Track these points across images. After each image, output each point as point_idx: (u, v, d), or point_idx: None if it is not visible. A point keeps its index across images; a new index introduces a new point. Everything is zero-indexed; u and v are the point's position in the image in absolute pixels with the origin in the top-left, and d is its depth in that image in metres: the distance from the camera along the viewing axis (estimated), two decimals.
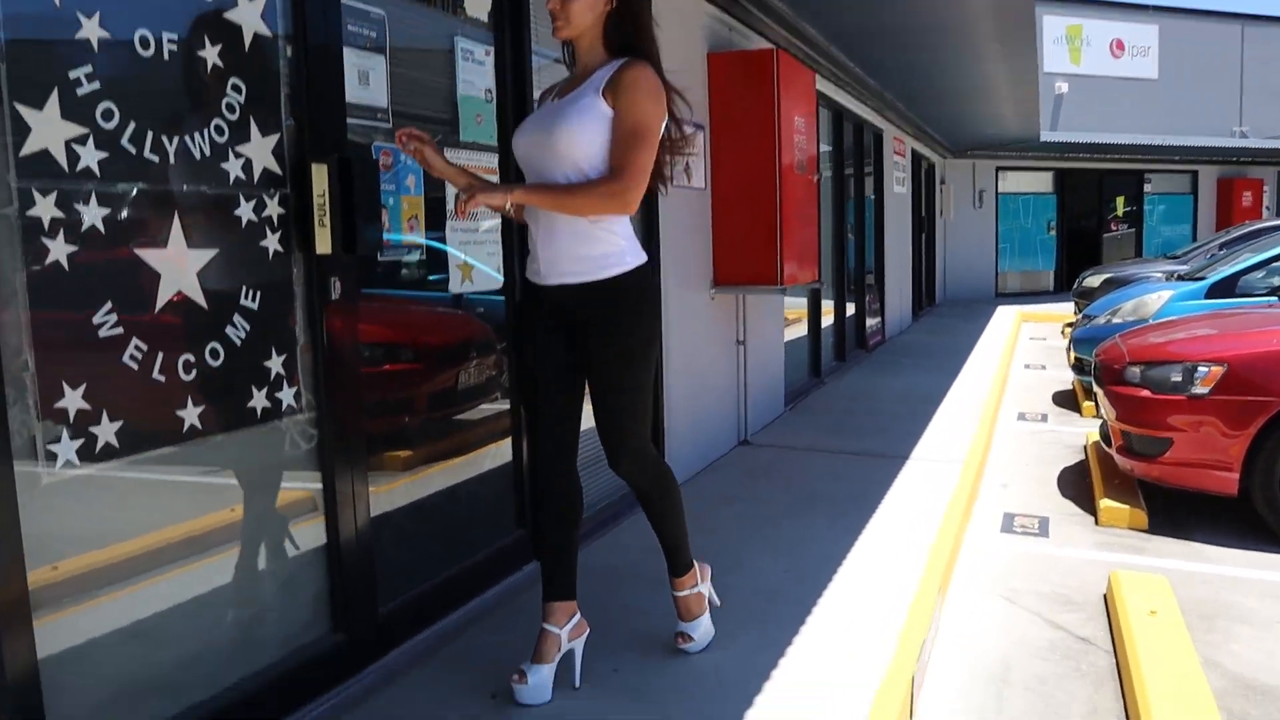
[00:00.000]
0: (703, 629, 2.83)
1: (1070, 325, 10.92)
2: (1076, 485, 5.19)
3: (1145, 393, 4.56)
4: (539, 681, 2.52)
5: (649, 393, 2.60)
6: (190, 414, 2.20)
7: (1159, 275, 8.58)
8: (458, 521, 3.26)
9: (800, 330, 7.32)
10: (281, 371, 2.44)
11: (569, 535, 2.65)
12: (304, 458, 2.55)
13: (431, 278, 3.27)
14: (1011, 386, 8.16)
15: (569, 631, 2.59)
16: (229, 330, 2.30)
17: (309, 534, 2.57)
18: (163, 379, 2.14)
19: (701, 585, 2.84)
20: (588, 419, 2.64)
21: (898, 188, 11.08)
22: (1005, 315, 12.84)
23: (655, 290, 2.68)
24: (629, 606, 3.16)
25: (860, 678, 2.67)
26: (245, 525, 2.41)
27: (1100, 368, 5.05)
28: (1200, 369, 4.39)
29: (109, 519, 2.08)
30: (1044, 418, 6.93)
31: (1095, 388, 5.17)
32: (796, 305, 7.09)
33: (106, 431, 2.02)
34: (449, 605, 3.06)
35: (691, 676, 2.68)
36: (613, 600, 3.20)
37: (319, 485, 2.58)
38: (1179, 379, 4.46)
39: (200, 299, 2.23)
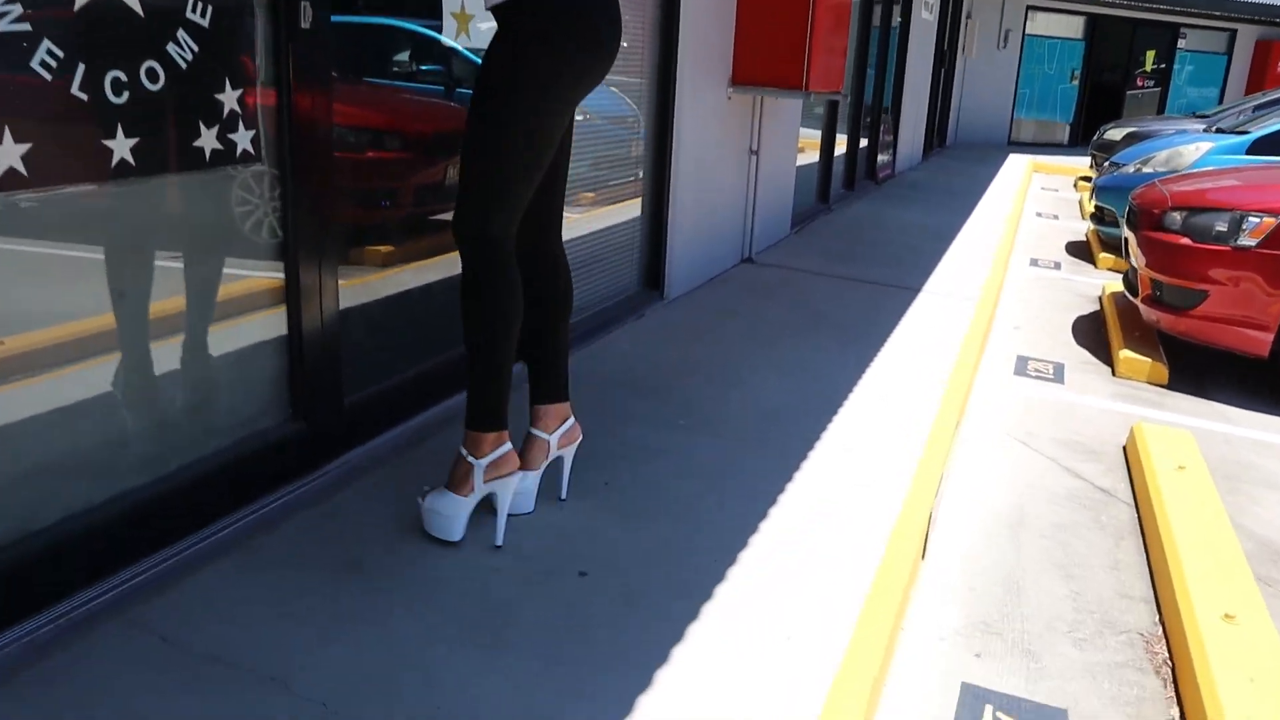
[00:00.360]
0: (437, 507, 2.08)
1: (1085, 179, 10.46)
2: (1092, 335, 4.90)
3: (1185, 240, 4.20)
4: (522, 489, 2.24)
5: (514, 164, 1.98)
6: (120, 146, 1.80)
7: (1193, 131, 8.06)
8: (437, 317, 2.92)
9: (809, 156, 6.85)
10: (236, 109, 2.02)
11: (551, 325, 2.27)
12: (263, 218, 2.17)
13: (424, 67, 2.91)
14: (1023, 233, 7.78)
15: (559, 438, 2.29)
16: (171, 48, 1.87)
17: (271, 317, 2.22)
18: (85, 97, 1.73)
19: (479, 465, 2.06)
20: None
21: (925, 14, 10.32)
22: (1017, 163, 12.31)
23: (571, 22, 1.97)
24: (623, 415, 2.88)
25: (873, 511, 2.41)
26: (192, 291, 2.06)
27: (1136, 211, 4.67)
28: (1250, 219, 4.02)
29: (34, 293, 1.72)
30: (1057, 266, 6.59)
31: (1126, 233, 4.81)
32: (806, 135, 6.58)
33: (10, 154, 1.62)
34: (423, 402, 2.75)
35: (689, 497, 2.41)
36: (606, 409, 2.91)
37: (280, 262, 2.21)
38: (1224, 228, 4.10)
39: (134, 2, 1.79)
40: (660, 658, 1.77)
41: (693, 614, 1.91)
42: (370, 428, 2.52)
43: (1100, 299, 5.55)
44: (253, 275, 2.17)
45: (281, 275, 2.22)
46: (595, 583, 2.00)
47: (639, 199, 4.09)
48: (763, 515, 2.34)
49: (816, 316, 4.20)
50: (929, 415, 3.11)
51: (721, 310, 4.18)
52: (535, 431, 2.27)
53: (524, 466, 2.25)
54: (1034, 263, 6.62)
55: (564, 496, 2.33)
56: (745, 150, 4.96)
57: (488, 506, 2.14)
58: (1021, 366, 4.27)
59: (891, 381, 3.41)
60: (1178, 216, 4.29)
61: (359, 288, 2.52)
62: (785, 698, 1.71)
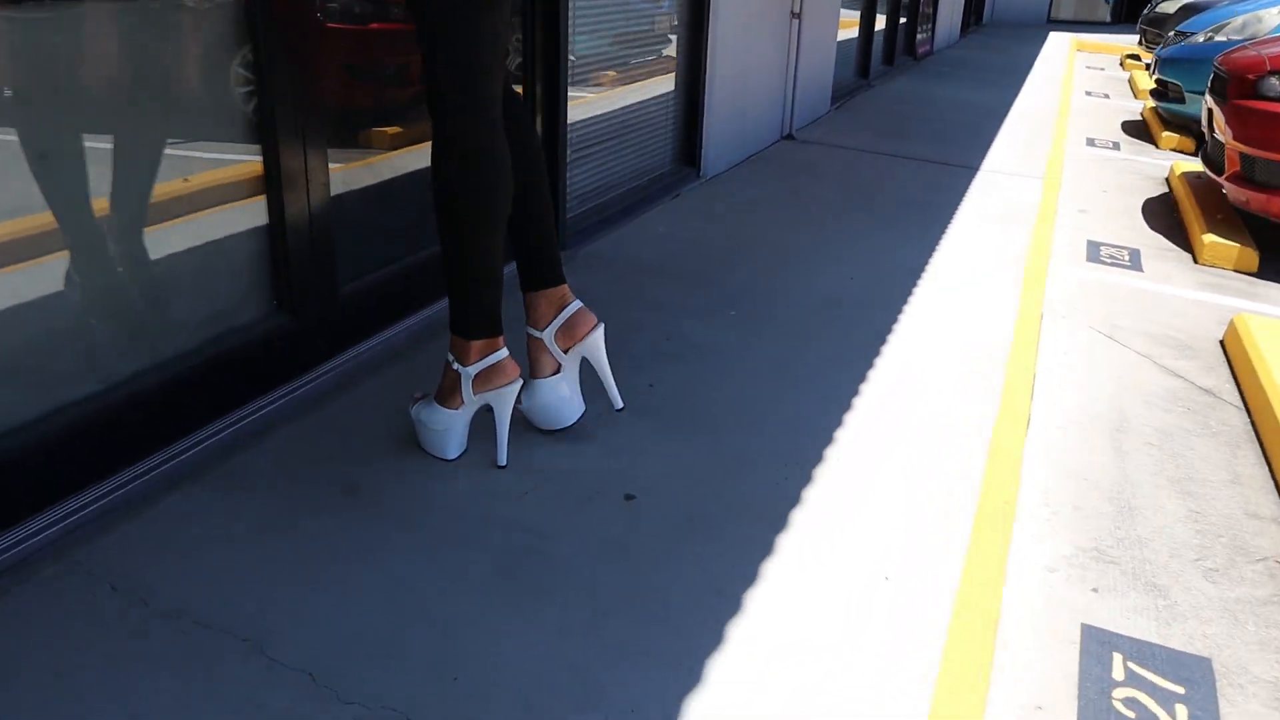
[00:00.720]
0: (425, 419, 1.72)
1: (1133, 57, 9.75)
2: (1164, 218, 4.42)
3: None
4: (542, 403, 1.81)
5: (470, 27, 1.53)
6: None
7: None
8: None
9: (848, 33, 6.25)
10: None
11: (521, 183, 1.73)
12: (230, 63, 1.74)
13: None
14: (1074, 112, 7.19)
15: (555, 333, 1.81)
16: None
17: (248, 191, 1.81)
18: None
19: (466, 375, 1.68)
20: None
21: None
22: (1059, 42, 11.54)
23: None
24: (665, 306, 2.48)
25: (962, 414, 2.03)
26: (134, 154, 1.64)
27: (1225, 78, 4.14)
28: None
29: None
30: (1115, 145, 6.05)
31: (1210, 103, 4.28)
32: (843, 15, 5.98)
33: None
34: (434, 293, 2.36)
35: (746, 400, 2.03)
36: (644, 299, 2.52)
37: (257, 139, 1.79)
38: None
39: None
40: (730, 606, 1.41)
41: (766, 546, 1.55)
42: (371, 322, 2.14)
43: (1168, 180, 5.05)
44: (223, 143, 1.75)
45: (259, 148, 1.80)
46: (645, 509, 1.64)
47: (671, 72, 3.60)
48: (835, 421, 1.96)
49: (870, 196, 3.75)
50: (1008, 305, 2.70)
51: (766, 189, 3.73)
52: (529, 331, 1.83)
53: (535, 374, 1.83)
54: (1090, 142, 6.07)
55: (620, 406, 1.93)
56: (786, 13, 4.43)
57: (522, 419, 1.77)
58: (1094, 252, 3.82)
59: (961, 266, 2.99)
60: (1277, 82, 3.77)
61: (356, 164, 2.10)
62: (891, 659, 1.36)
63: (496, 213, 1.62)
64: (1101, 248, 3.89)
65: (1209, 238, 3.86)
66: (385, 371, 2.03)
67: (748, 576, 1.47)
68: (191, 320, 1.74)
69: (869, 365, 2.23)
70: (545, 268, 1.78)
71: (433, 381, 1.91)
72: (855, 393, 2.09)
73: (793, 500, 1.68)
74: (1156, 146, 6.11)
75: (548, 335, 1.80)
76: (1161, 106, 6.22)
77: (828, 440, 1.88)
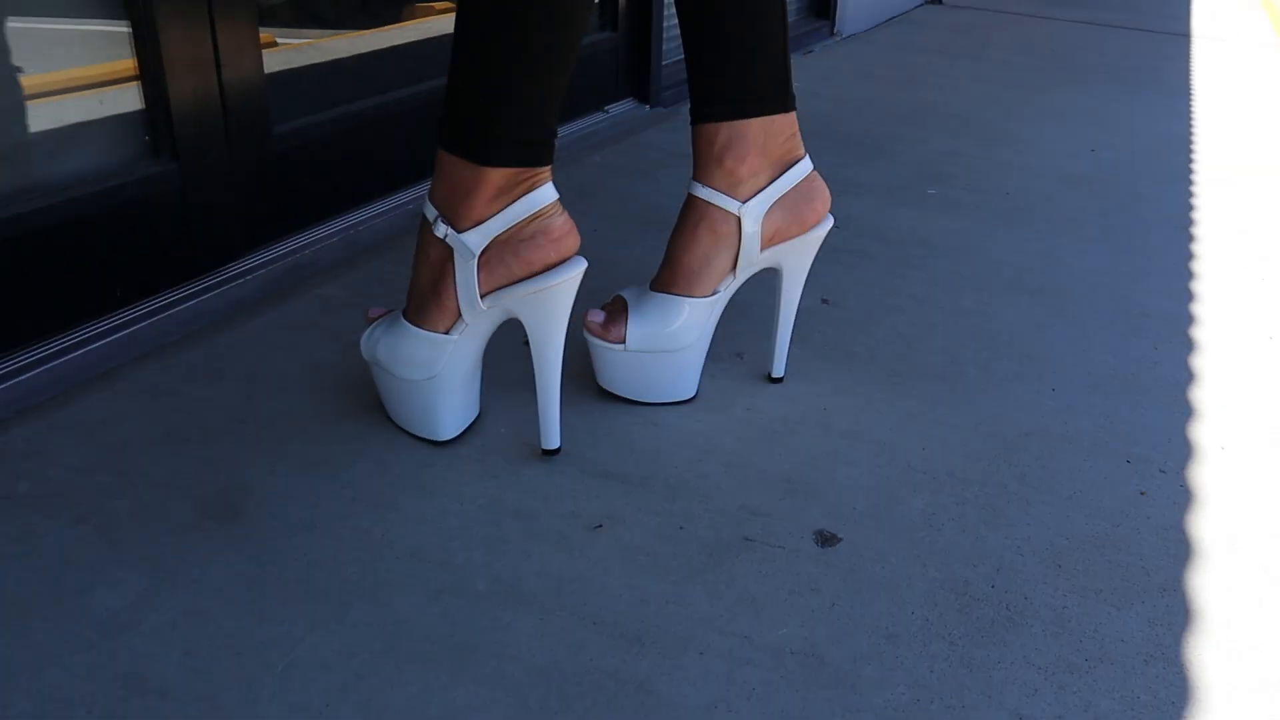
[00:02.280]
0: (386, 357, 0.81)
1: None
2: None
3: None
4: (652, 347, 0.87)
5: None
6: None
7: None
8: None
9: None
10: None
11: None
12: None
13: None
14: None
15: (769, 212, 0.85)
16: None
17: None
18: None
19: (462, 246, 0.75)
20: None
21: None
22: None
23: None
24: (831, 179, 1.56)
25: None
26: None
27: None
28: None
29: None
30: None
31: None
32: None
33: None
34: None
35: (998, 328, 1.10)
36: None
37: None
38: None
39: None
40: None
41: (1177, 695, 0.64)
42: (322, 193, 1.26)
43: None
44: None
45: None
46: (857, 564, 0.73)
47: None
48: (1180, 366, 1.03)
49: (1068, 61, 2.73)
50: None
51: (924, 50, 2.73)
52: (703, 191, 0.86)
53: (684, 289, 0.87)
54: None
55: (778, 374, 0.96)
56: None
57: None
58: None
59: (1245, 140, 1.98)
60: None
61: None
62: None
63: None
64: None
65: None
66: (343, 276, 1.15)
67: None
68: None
69: (1185, 271, 1.27)
70: (756, 72, 0.82)
71: (404, 290, 1.02)
72: (1186, 317, 1.14)
73: (1176, 553, 0.75)
74: None
75: (754, 210, 0.84)
76: None
77: (1184, 409, 0.95)
